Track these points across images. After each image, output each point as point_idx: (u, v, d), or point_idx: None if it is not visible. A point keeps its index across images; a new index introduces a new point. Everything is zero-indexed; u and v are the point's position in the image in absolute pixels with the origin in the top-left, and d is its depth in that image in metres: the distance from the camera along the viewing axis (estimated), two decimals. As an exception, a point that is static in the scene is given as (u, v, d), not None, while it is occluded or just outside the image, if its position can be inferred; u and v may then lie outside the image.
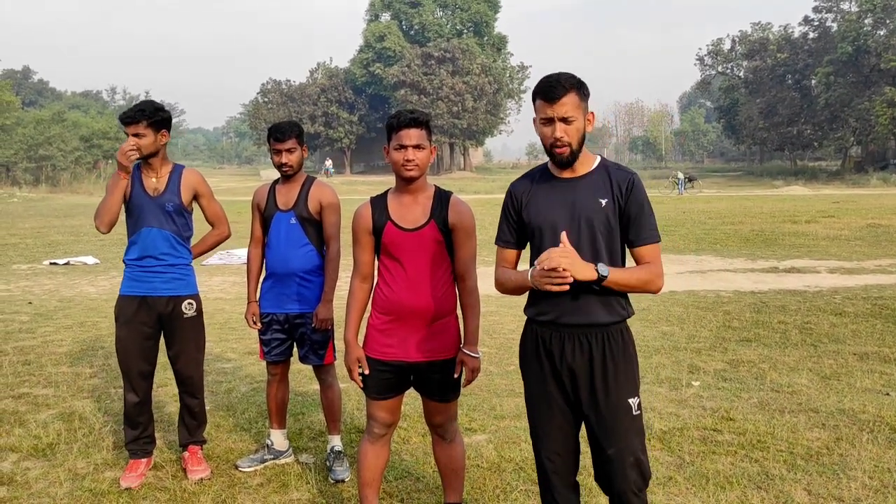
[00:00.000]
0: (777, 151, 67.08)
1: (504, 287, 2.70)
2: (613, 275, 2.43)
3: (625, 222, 2.54)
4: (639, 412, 2.57)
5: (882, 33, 48.93)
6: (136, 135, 3.68)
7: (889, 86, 47.04)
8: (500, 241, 2.72)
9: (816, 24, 56.76)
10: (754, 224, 18.79)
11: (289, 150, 3.85)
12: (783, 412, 4.75)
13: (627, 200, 2.51)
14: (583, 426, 2.66)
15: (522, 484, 3.72)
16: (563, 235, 2.42)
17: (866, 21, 49.77)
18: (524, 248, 2.72)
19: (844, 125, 52.28)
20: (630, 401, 2.54)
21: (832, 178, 48.34)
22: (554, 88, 2.44)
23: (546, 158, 2.64)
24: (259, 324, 4.05)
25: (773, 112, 57.52)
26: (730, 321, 7.71)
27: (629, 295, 2.61)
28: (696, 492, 3.62)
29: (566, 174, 2.57)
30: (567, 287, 2.38)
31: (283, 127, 3.90)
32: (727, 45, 64.67)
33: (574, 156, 2.51)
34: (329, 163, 61.05)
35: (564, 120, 2.45)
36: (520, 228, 2.67)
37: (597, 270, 2.39)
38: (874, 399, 5.00)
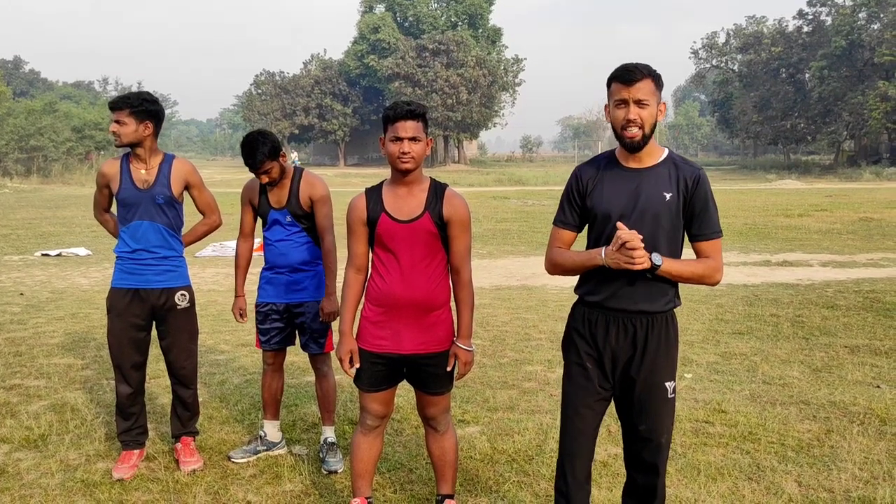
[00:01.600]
0: (770, 145, 67.18)
1: (561, 267, 2.70)
2: (668, 265, 2.48)
3: (688, 217, 2.58)
4: (673, 395, 2.65)
5: (876, 27, 49.01)
6: (117, 121, 3.69)
7: (882, 80, 47.14)
8: (560, 222, 2.73)
9: (810, 17, 56.78)
10: (747, 217, 18.85)
11: (266, 172, 3.78)
12: (774, 404, 4.78)
13: (693, 196, 2.55)
14: (612, 406, 2.74)
15: (515, 475, 3.73)
16: (619, 224, 2.45)
17: (860, 15, 49.84)
18: (582, 231, 2.74)
19: (838, 119, 52.38)
20: (666, 384, 2.62)
21: (825, 171, 48.48)
22: (632, 72, 2.48)
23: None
24: (245, 318, 4.07)
25: (767, 106, 57.58)
26: (722, 314, 7.73)
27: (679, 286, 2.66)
28: (687, 483, 3.64)
29: (633, 164, 2.59)
30: (647, 265, 2.41)
31: (252, 150, 3.72)
32: (721, 39, 64.66)
33: (645, 140, 2.52)
34: (295, 155, 57.51)
35: (639, 103, 2.47)
36: (582, 212, 2.69)
37: (650, 259, 2.44)
38: (865, 391, 5.03)
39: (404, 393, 4.49)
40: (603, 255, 2.51)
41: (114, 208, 3.99)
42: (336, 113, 66.56)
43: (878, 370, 5.59)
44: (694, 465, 3.82)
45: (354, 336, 3.07)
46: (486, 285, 9.55)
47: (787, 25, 60.21)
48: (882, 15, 48.66)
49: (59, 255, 13.17)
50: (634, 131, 2.49)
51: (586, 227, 2.74)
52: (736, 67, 64.29)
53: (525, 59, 69.23)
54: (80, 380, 5.41)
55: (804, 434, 4.26)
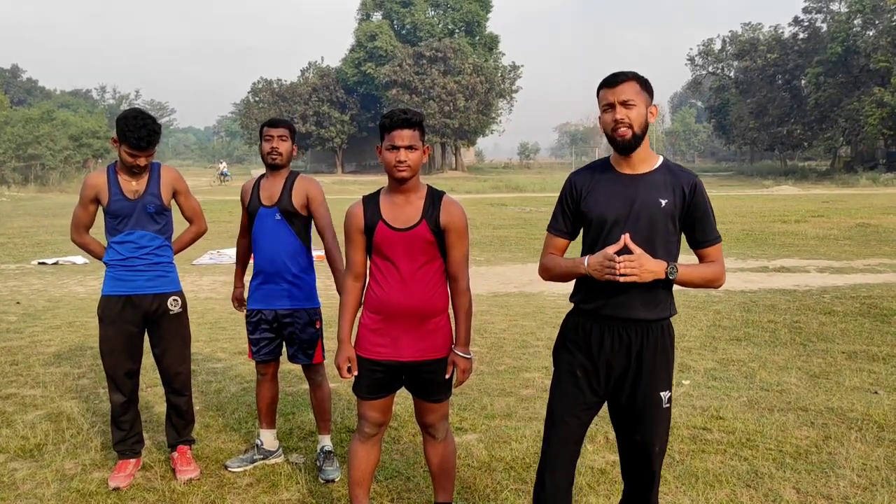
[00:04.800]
0: (767, 151, 67.43)
1: (551, 273, 2.72)
2: (681, 274, 2.51)
3: (688, 224, 2.59)
4: (668, 405, 2.63)
5: (871, 34, 49.21)
6: (148, 156, 3.68)
7: (878, 86, 47.33)
8: (553, 229, 2.73)
9: (806, 24, 57.06)
10: (744, 224, 18.88)
11: (280, 137, 3.86)
12: (772, 411, 4.78)
13: (692, 203, 2.56)
14: (604, 412, 2.74)
15: (513, 483, 3.72)
16: (627, 237, 2.46)
17: (856, 22, 50.05)
18: (576, 238, 2.75)
19: (834, 125, 52.60)
20: (662, 394, 2.60)
21: (822, 177, 48.62)
22: (615, 76, 2.53)
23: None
24: (244, 307, 4.12)
25: (764, 112, 57.79)
26: (720, 320, 7.73)
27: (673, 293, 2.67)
28: (685, 490, 3.63)
29: (627, 170, 2.59)
30: (637, 279, 2.42)
31: (276, 118, 3.99)
32: (718, 46, 64.94)
33: (636, 140, 2.52)
34: (224, 165, 53.24)
35: (625, 104, 2.49)
36: (576, 219, 2.69)
37: (667, 271, 2.46)
38: (862, 397, 5.03)
39: (402, 400, 4.48)
40: (586, 263, 2.52)
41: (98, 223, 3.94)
42: (333, 120, 66.70)
43: (875, 376, 5.59)
44: (692, 472, 3.82)
45: (353, 344, 3.07)
46: (483, 292, 9.54)
47: (782, 32, 60.52)
48: (877, 21, 48.89)
49: (55, 263, 13.15)
50: (623, 130, 2.50)
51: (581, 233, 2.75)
52: (732, 74, 64.53)
53: (522, 66, 69.46)
54: (77, 389, 5.39)
55: (802, 440, 4.25)
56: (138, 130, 3.57)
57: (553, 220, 2.74)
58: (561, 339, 2.77)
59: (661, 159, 2.63)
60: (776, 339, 6.87)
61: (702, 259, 2.65)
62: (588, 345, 2.63)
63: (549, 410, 2.73)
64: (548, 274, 2.74)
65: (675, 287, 2.59)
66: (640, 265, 2.41)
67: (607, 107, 2.53)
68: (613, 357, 2.59)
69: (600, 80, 2.58)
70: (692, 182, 2.57)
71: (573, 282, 2.73)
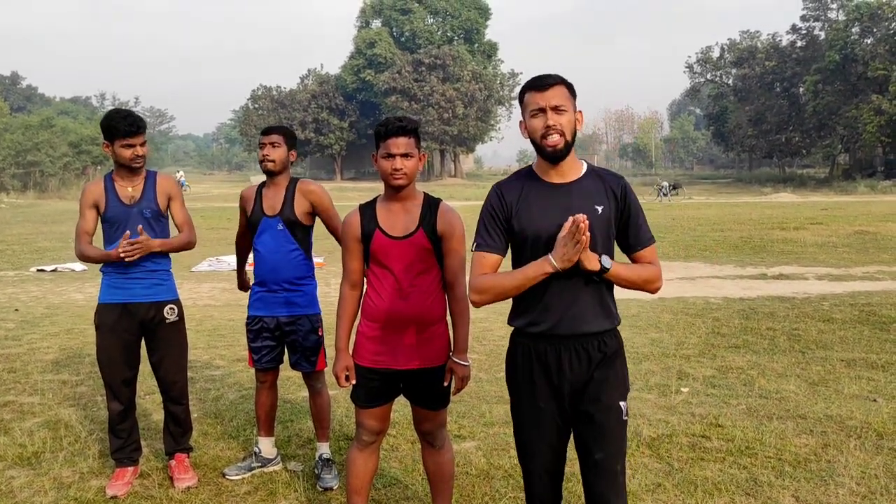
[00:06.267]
0: (766, 159, 67.61)
1: (494, 292, 2.48)
2: (616, 268, 2.41)
3: (622, 227, 2.51)
4: (626, 418, 2.56)
5: (869, 42, 49.38)
6: (142, 144, 3.72)
7: (876, 94, 47.44)
8: (484, 246, 2.51)
9: (804, 32, 57.32)
10: (743, 231, 18.89)
11: (272, 144, 3.86)
12: (771, 418, 4.77)
13: (624, 206, 2.49)
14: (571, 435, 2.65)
15: (511, 491, 3.71)
16: (569, 221, 2.32)
17: (853, 30, 50.23)
18: (506, 254, 2.58)
19: (832, 133, 52.74)
20: (621, 403, 2.53)
21: (820, 185, 48.68)
22: (543, 79, 2.43)
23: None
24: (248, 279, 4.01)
25: (762, 119, 57.93)
26: (719, 328, 7.73)
27: (616, 301, 2.60)
28: (684, 498, 3.62)
29: (557, 179, 2.49)
30: (595, 266, 2.35)
31: (270, 126, 3.99)
32: (716, 53, 65.15)
33: (567, 148, 2.44)
34: (181, 174, 48.47)
35: (556, 109, 2.40)
36: (506, 233, 2.53)
37: (600, 261, 2.37)
38: (861, 405, 5.03)
39: (400, 408, 4.47)
40: (552, 257, 2.36)
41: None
42: (333, 127, 66.81)
43: (874, 384, 5.59)
44: (691, 481, 3.81)
45: (350, 352, 3.06)
46: (482, 299, 9.52)
47: (780, 40, 60.77)
48: (875, 29, 49.07)
49: (54, 270, 13.15)
50: (556, 139, 2.39)
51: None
52: (731, 81, 64.73)
53: (521, 73, 69.66)
54: (75, 396, 5.38)
55: (801, 448, 4.25)
56: (124, 119, 3.66)
57: (480, 237, 2.53)
58: (513, 368, 2.63)
59: (585, 165, 2.55)
60: (775, 346, 6.87)
61: (637, 262, 2.54)
62: (545, 369, 2.51)
63: (521, 444, 2.65)
64: (488, 295, 2.49)
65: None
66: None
67: (537, 111, 2.41)
68: (573, 376, 2.49)
69: (525, 83, 2.48)
70: (622, 185, 2.51)
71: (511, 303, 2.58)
